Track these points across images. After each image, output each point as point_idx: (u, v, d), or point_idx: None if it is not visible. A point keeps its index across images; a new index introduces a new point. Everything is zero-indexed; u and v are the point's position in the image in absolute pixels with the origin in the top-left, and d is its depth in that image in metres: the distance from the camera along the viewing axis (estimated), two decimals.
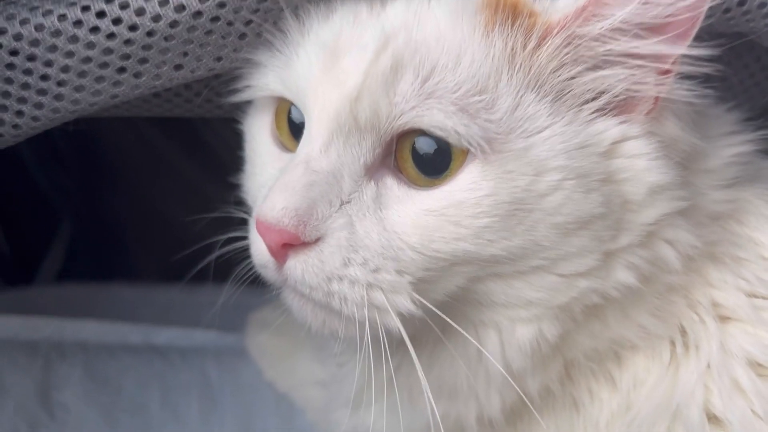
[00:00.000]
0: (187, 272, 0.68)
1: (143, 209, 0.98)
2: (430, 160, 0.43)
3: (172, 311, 0.85)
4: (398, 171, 0.44)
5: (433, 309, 0.43)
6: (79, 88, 0.50)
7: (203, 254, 0.56)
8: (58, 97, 0.50)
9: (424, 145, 0.43)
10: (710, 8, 0.42)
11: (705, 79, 0.45)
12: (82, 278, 0.90)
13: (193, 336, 0.83)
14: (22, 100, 0.50)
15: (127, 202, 0.98)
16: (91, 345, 0.79)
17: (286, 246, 0.43)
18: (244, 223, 0.52)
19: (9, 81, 0.50)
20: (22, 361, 0.75)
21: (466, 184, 0.42)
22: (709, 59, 0.43)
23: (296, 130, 0.49)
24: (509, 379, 0.45)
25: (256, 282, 0.50)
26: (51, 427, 0.72)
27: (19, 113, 0.51)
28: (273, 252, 0.44)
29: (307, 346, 0.75)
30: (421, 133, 0.43)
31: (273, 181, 0.46)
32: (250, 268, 0.49)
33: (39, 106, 0.51)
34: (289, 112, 0.49)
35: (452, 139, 0.42)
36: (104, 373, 0.78)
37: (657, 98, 0.44)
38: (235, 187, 0.56)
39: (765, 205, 0.50)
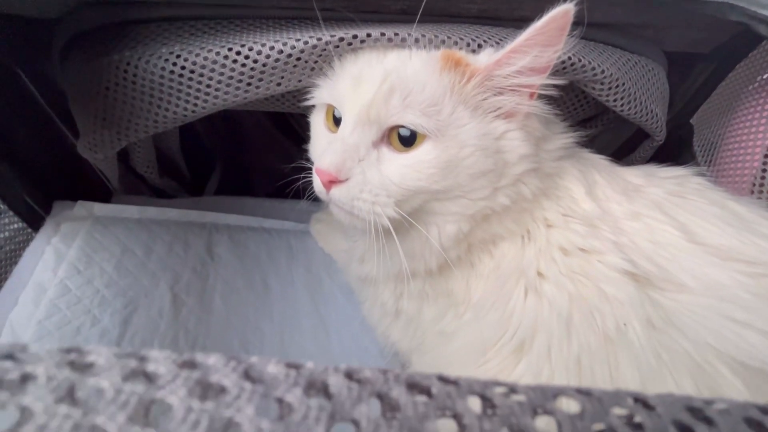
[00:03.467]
0: (280, 193, 0.65)
1: (257, 158, 0.93)
2: (406, 138, 0.40)
3: (272, 211, 0.81)
4: (389, 143, 0.41)
5: (404, 215, 0.41)
6: (221, 93, 0.46)
7: (288, 183, 0.52)
8: (211, 95, 0.47)
9: (404, 131, 0.40)
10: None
11: (551, 99, 0.41)
12: (227, 193, 0.86)
13: (284, 224, 0.80)
14: (189, 97, 0.47)
15: (251, 154, 0.93)
16: (232, 226, 0.77)
17: (331, 182, 0.40)
18: (308, 168, 0.48)
19: (181, 84, 0.46)
20: (197, 232, 0.73)
21: (424, 152, 0.40)
22: (555, 87, 0.40)
23: (336, 121, 0.45)
24: (441, 251, 0.44)
25: (315, 199, 0.46)
26: (211, 265, 0.70)
27: (189, 103, 0.47)
28: (324, 185, 0.41)
29: (339, 231, 0.72)
30: (402, 125, 0.40)
31: (324, 148, 0.43)
32: (312, 192, 0.46)
33: (198, 102, 0.47)
34: (333, 111, 0.45)
35: (419, 129, 0.39)
36: (238, 240, 0.75)
37: (527, 110, 0.40)
38: (304, 149, 0.52)
39: (575, 170, 0.47)
